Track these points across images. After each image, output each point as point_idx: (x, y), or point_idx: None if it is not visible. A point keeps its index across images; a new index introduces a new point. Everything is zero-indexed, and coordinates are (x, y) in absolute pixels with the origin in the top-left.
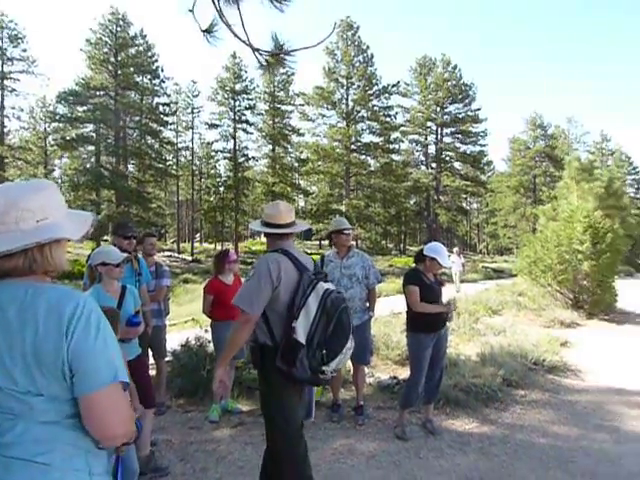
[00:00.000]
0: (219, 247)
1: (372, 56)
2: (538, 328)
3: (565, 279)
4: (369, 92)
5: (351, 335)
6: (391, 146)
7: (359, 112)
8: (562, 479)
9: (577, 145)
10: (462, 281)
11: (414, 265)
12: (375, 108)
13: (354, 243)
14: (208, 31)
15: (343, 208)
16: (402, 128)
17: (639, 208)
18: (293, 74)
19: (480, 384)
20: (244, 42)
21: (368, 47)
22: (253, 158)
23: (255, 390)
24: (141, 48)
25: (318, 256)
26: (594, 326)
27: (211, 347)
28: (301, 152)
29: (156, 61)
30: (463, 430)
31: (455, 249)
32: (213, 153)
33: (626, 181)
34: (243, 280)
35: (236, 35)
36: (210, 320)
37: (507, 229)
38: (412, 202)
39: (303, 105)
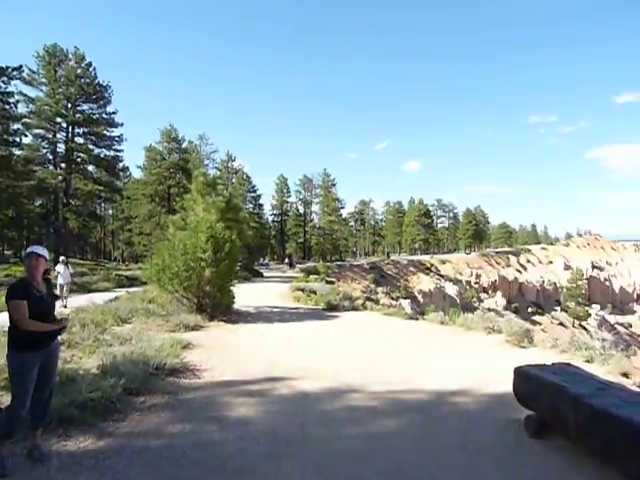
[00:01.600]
0: None
1: None
2: (165, 333)
3: (190, 285)
4: None
5: None
6: (11, 138)
7: None
8: (172, 475)
9: (207, 161)
10: (91, 291)
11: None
12: None
13: None
14: None
15: None
16: (25, 120)
17: (256, 222)
18: None
19: (98, 397)
20: None
21: None
22: None
23: None
24: None
25: None
26: (214, 327)
27: None
28: None
29: None
30: (77, 449)
31: (61, 258)
32: None
33: (246, 198)
34: None
35: None
36: None
37: (142, 237)
38: (37, 204)
39: None
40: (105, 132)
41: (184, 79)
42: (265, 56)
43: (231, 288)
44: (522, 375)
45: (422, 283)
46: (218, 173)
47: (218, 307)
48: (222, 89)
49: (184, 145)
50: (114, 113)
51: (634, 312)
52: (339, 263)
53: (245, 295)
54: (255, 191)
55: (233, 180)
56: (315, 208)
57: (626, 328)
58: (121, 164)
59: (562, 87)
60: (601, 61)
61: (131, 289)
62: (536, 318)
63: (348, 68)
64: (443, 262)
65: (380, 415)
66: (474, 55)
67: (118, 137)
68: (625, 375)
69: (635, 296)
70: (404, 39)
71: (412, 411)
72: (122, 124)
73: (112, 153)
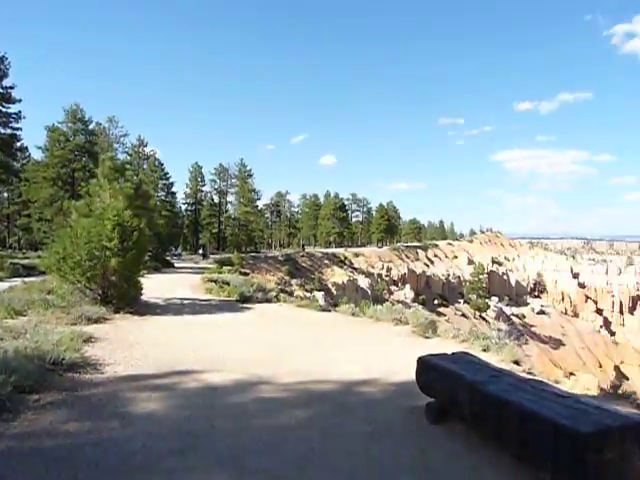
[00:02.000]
0: None
1: None
2: (65, 326)
3: (94, 275)
4: None
5: None
6: None
7: None
8: (67, 476)
9: (117, 145)
10: None
11: None
12: None
13: None
14: None
15: None
16: None
17: (168, 210)
18: None
19: None
20: None
21: None
22: None
23: None
24: None
25: None
26: (120, 319)
27: None
28: None
29: None
30: None
31: None
32: None
33: (158, 185)
34: None
35: None
36: None
37: (42, 223)
38: None
39: None
40: (0, 108)
41: (101, 76)
42: (183, 52)
43: (139, 279)
44: (424, 364)
45: (336, 276)
46: (128, 158)
47: (124, 298)
48: (138, 83)
49: (91, 127)
50: (11, 88)
51: (527, 304)
52: (254, 254)
53: (154, 286)
54: (168, 178)
55: (144, 166)
56: (231, 198)
57: (520, 319)
58: (19, 143)
59: (469, 91)
60: (503, 69)
61: (28, 279)
62: (441, 310)
63: (265, 66)
64: (356, 255)
65: (289, 406)
66: (391, 57)
67: (15, 114)
68: (516, 362)
69: (529, 289)
70: (322, 43)
71: (321, 401)
72: (20, 100)
73: (8, 131)
